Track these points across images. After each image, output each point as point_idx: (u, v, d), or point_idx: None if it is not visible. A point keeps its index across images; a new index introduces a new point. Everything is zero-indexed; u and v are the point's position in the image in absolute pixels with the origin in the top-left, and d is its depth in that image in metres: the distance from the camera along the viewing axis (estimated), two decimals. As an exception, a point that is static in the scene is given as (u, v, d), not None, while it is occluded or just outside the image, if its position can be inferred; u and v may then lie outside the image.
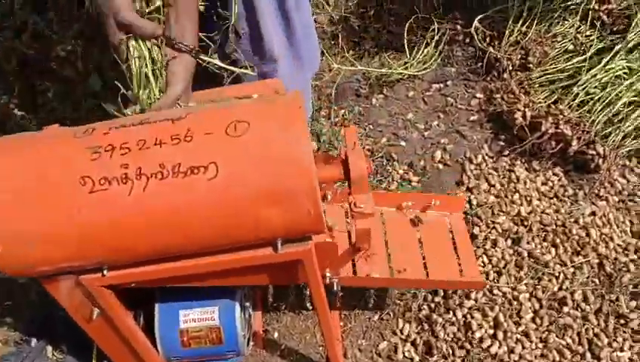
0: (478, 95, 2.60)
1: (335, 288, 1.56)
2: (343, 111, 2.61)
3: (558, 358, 1.86)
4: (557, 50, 2.64)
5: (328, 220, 1.78)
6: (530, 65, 2.59)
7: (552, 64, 2.58)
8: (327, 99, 2.64)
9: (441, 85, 2.66)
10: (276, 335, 2.01)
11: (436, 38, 2.73)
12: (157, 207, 1.17)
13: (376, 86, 2.65)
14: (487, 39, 2.70)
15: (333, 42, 2.85)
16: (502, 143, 2.43)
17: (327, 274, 1.53)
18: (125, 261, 1.28)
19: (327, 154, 1.54)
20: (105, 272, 1.31)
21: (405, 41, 2.68)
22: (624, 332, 1.88)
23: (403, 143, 2.48)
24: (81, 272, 1.32)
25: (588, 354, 1.85)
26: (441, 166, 2.39)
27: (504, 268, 2.04)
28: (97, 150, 1.20)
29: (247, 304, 1.76)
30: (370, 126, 2.54)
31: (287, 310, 2.04)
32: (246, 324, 1.68)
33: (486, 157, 2.39)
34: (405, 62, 2.67)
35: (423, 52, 2.71)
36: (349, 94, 2.66)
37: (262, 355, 1.96)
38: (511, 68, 2.61)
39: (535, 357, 1.86)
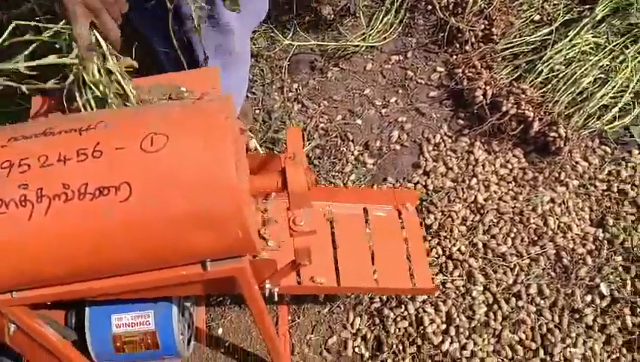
0: (438, 68, 2.47)
1: (275, 299, 1.45)
2: (296, 85, 2.45)
3: (510, 355, 1.81)
4: (522, 20, 2.51)
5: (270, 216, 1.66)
6: (494, 37, 2.46)
7: (516, 36, 2.45)
8: (280, 72, 2.48)
9: (401, 57, 2.51)
10: (220, 331, 1.91)
11: (396, 4, 2.56)
12: (61, 233, 1.03)
13: (332, 58, 2.49)
14: (451, 7, 2.55)
15: (287, 7, 2.66)
16: (462, 122, 2.32)
17: (267, 286, 1.42)
18: (33, 285, 1.15)
19: (266, 156, 1.40)
20: (14, 294, 1.19)
21: (361, 11, 2.51)
22: (578, 327, 1.83)
23: (359, 121, 2.35)
24: (-11, 292, 1.19)
25: (541, 351, 1.81)
26: (398, 147, 2.27)
27: (458, 259, 1.96)
28: (-8, 167, 1.05)
29: (188, 303, 1.66)
30: (325, 102, 2.40)
31: (232, 305, 1.95)
32: (185, 325, 1.59)
33: (445, 138, 2.28)
34: (363, 33, 2.51)
35: (382, 20, 2.55)
36: (303, 67, 2.50)
37: (205, 353, 1.87)
38: (473, 40, 2.47)
39: (487, 353, 1.81)
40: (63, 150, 1.04)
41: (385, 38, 2.53)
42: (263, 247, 1.45)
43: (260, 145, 2.23)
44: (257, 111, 2.36)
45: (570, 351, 1.79)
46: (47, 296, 1.19)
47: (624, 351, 1.81)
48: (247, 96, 2.32)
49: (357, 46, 2.49)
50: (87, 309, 1.46)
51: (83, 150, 1.04)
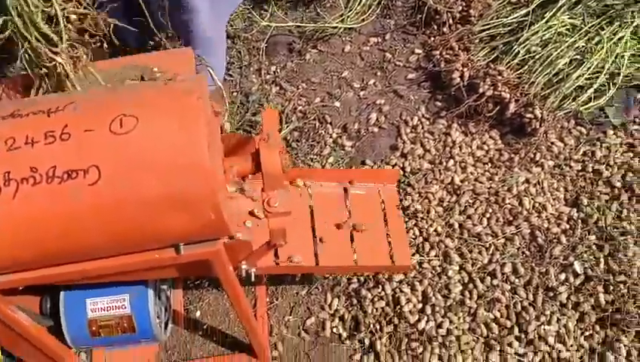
0: (416, 50, 2.47)
1: (253, 279, 1.46)
2: (274, 67, 2.44)
3: (486, 332, 1.84)
4: (500, 1, 2.50)
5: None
6: (472, 19, 2.46)
7: (493, 17, 2.46)
8: (258, 54, 2.46)
9: (379, 39, 2.50)
10: (198, 314, 1.91)
11: (375, -15, 2.55)
12: (30, 217, 1.03)
13: (310, 40, 2.48)
14: (429, -13, 2.54)
15: (265, -12, 2.63)
16: (439, 104, 2.32)
17: (244, 267, 1.43)
18: (2, 271, 1.14)
19: (240, 138, 1.40)
20: (-18, 279, 1.18)
21: (340, -8, 2.50)
22: (552, 305, 1.86)
23: (337, 104, 2.34)
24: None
25: (516, 328, 1.84)
26: (376, 129, 2.27)
27: (434, 240, 1.98)
28: (-42, 150, 1.03)
29: (164, 286, 1.66)
30: (304, 85, 2.39)
31: (210, 287, 1.95)
32: (162, 308, 1.59)
33: (422, 120, 2.28)
34: (341, 15, 2.49)
35: (360, 2, 2.54)
36: (281, 48, 2.48)
37: (183, 336, 1.87)
38: (451, 21, 2.47)
39: (463, 331, 1.84)
40: (30, 132, 1.03)
41: (363, 20, 2.52)
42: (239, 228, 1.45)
43: (238, 128, 2.23)
44: (235, 94, 2.35)
45: (544, 329, 1.82)
46: (17, 281, 1.18)
47: (597, 328, 1.84)
48: (224, 79, 2.30)
49: (335, 27, 2.47)
50: (61, 294, 1.45)
51: (51, 132, 1.03)
